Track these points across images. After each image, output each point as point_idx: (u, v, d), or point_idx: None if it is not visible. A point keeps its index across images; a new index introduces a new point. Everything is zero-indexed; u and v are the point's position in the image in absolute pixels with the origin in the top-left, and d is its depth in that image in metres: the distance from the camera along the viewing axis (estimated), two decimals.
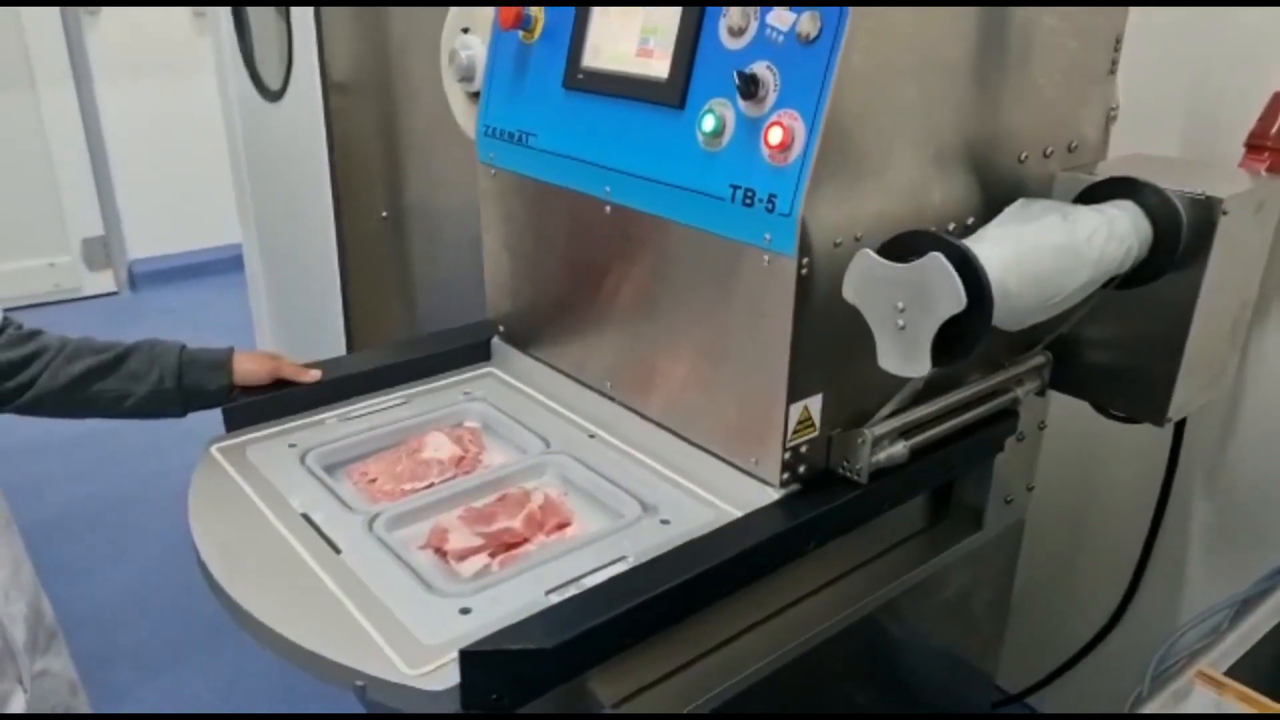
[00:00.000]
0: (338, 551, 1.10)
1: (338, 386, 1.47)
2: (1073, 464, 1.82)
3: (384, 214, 2.44)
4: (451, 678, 0.90)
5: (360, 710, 1.33)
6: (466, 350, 1.60)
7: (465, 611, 1.00)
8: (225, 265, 4.58)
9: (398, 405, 1.47)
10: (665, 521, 1.17)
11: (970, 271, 0.93)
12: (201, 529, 1.15)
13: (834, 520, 1.16)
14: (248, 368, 1.38)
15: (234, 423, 1.37)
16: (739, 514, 1.15)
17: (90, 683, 1.42)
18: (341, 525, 1.15)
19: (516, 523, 1.17)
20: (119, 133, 4.60)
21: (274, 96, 2.55)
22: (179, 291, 4.75)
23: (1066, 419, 1.54)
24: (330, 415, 1.43)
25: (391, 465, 1.32)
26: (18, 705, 1.21)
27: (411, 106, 2.32)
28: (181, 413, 1.35)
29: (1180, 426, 1.59)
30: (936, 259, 0.92)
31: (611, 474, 1.27)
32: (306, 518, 1.16)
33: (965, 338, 0.95)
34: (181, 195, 4.67)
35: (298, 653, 0.96)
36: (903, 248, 0.98)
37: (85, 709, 1.37)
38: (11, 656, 1.21)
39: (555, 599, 1.01)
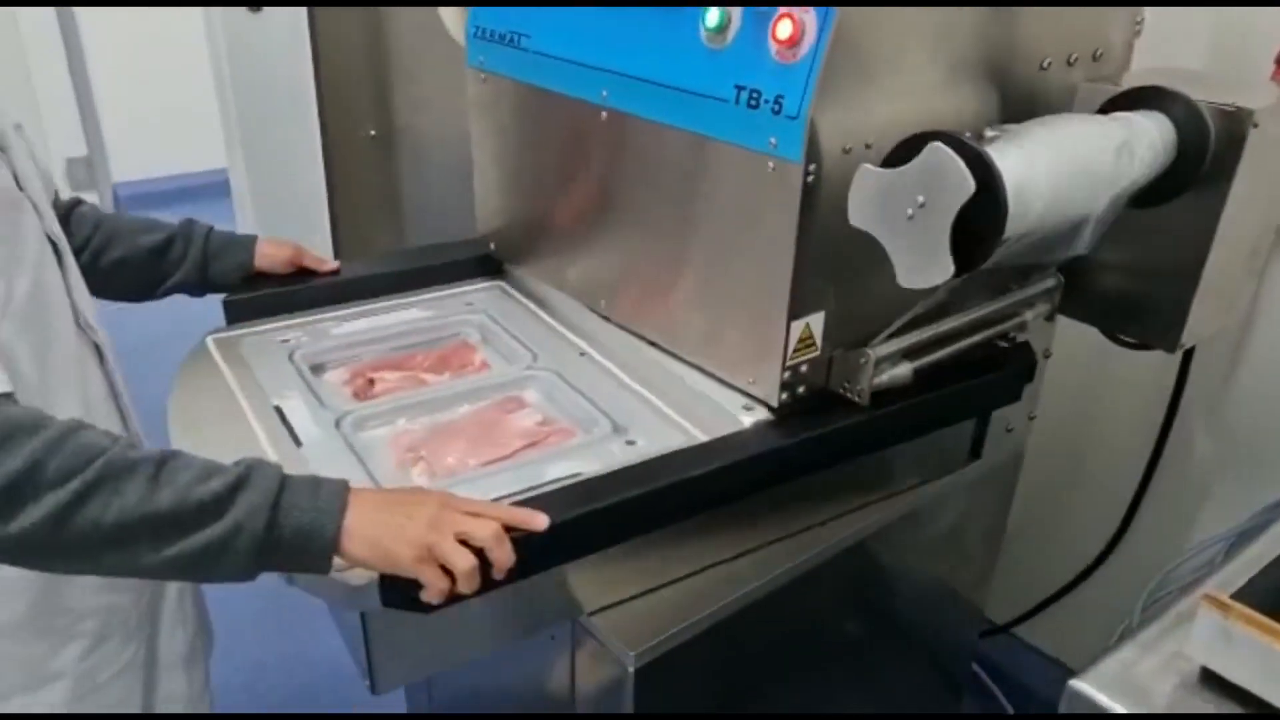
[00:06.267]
0: (299, 445, 1.09)
1: (342, 289, 1.45)
2: (1073, 394, 1.78)
3: (372, 132, 2.36)
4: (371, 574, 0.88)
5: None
6: (478, 262, 1.57)
7: None
8: (212, 190, 4.48)
9: (401, 310, 1.45)
10: (631, 442, 1.14)
11: (974, 155, 0.87)
12: (175, 410, 1.15)
13: (835, 442, 1.12)
14: (269, 251, 1.38)
15: (234, 316, 1.36)
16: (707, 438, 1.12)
17: None
18: (310, 420, 1.14)
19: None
20: (101, 50, 4.45)
21: (256, 5, 2.45)
22: (167, 215, 4.65)
23: (1069, 348, 1.50)
24: (330, 316, 1.41)
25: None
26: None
27: (400, 17, 2.23)
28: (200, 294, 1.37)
29: (1187, 355, 1.56)
30: (936, 149, 0.87)
31: (592, 393, 1.24)
32: (278, 410, 1.15)
33: (986, 233, 0.90)
34: (167, 116, 4.56)
35: None
36: (905, 151, 0.93)
37: None
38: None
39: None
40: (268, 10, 2.42)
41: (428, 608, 0.87)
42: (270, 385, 1.21)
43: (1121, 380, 1.74)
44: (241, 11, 2.55)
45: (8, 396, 0.83)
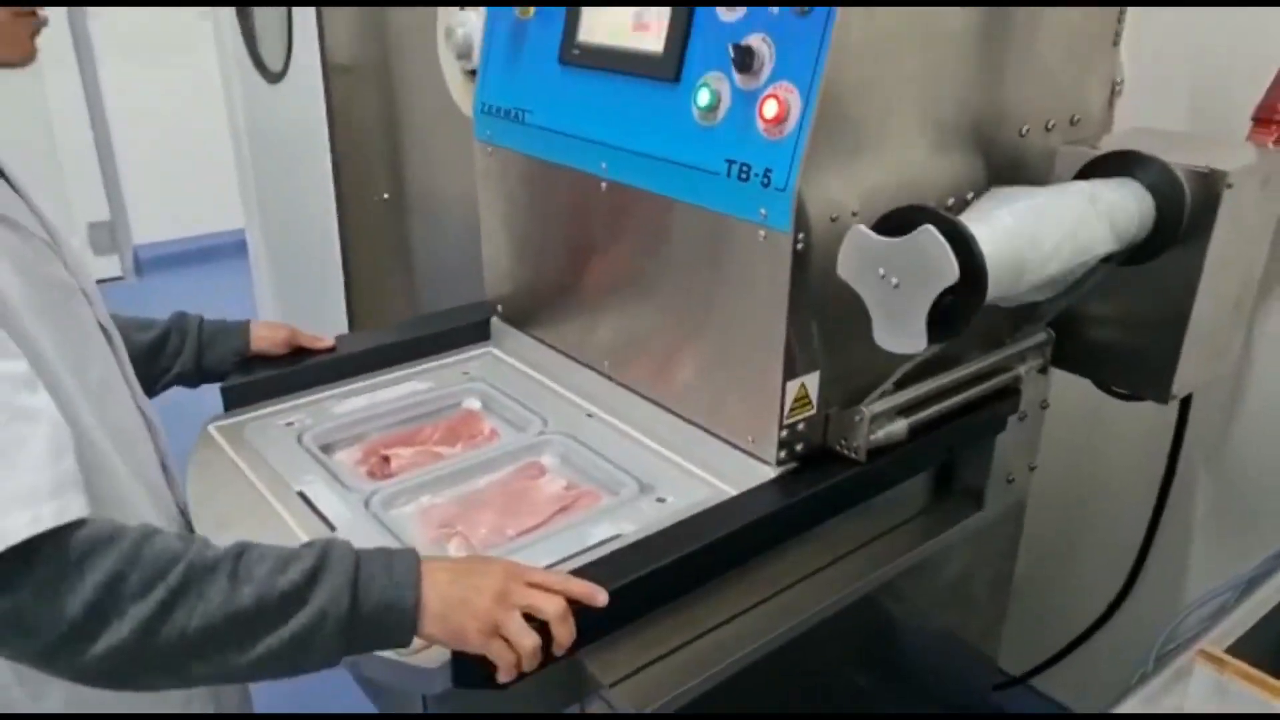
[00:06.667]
0: (332, 529, 1.10)
1: (336, 367, 1.46)
2: (1075, 445, 1.80)
3: (385, 196, 2.43)
4: (443, 655, 0.89)
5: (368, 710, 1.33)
6: (465, 330, 1.60)
7: None
8: (231, 250, 4.58)
9: (398, 384, 1.47)
10: (661, 500, 1.16)
11: (963, 243, 0.91)
12: (198, 506, 1.15)
13: (832, 498, 1.15)
14: (263, 333, 1.38)
15: (232, 402, 1.37)
16: (735, 492, 1.14)
17: None
18: (338, 503, 1.15)
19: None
20: (123, 117, 4.58)
21: (275, 78, 2.54)
22: (185, 277, 4.75)
23: (1069, 399, 1.53)
24: (328, 395, 1.42)
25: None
26: None
27: (412, 89, 2.31)
28: (195, 384, 1.37)
29: (1185, 404, 1.57)
30: (928, 231, 0.91)
31: (609, 453, 1.26)
32: (302, 496, 1.16)
33: (961, 312, 0.94)
34: (186, 180, 4.66)
35: None
36: (897, 223, 0.97)
37: None
38: None
39: None
40: (286, 80, 2.50)
41: (498, 684, 0.86)
42: (287, 471, 1.20)
43: (1122, 431, 1.76)
44: (260, 80, 2.64)
45: (84, 522, 0.78)
